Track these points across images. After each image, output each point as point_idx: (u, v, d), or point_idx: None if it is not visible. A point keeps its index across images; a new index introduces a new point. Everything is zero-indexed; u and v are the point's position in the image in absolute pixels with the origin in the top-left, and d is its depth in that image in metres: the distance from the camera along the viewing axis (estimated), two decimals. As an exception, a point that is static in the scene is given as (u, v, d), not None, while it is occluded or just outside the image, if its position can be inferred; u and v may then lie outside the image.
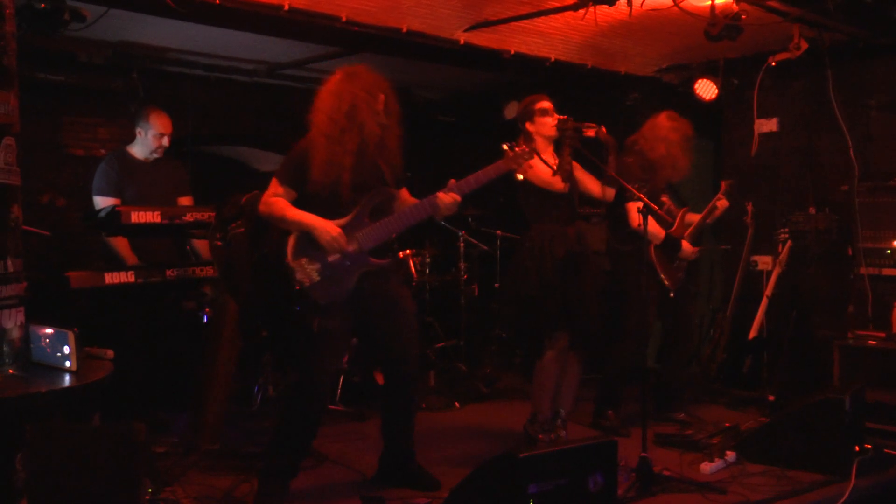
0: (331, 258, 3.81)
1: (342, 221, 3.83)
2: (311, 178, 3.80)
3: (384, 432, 4.21)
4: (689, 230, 5.38)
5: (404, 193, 4.14)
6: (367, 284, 3.89)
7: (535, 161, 4.57)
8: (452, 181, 3.92)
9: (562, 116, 4.61)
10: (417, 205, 3.95)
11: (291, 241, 3.85)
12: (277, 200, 3.86)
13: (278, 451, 3.92)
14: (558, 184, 4.59)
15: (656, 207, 4.96)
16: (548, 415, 4.76)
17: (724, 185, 5.55)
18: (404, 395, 4.13)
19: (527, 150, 4.02)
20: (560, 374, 4.75)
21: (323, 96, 3.87)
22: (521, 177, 4.28)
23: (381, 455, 4.25)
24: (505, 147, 4.00)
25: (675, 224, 5.24)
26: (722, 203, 5.47)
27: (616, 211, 5.13)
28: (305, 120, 3.92)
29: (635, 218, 4.97)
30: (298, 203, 3.87)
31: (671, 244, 5.20)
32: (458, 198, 3.89)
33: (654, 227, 5.08)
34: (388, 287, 4.01)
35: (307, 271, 3.81)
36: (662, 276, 5.14)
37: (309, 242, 3.82)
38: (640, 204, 4.76)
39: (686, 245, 5.31)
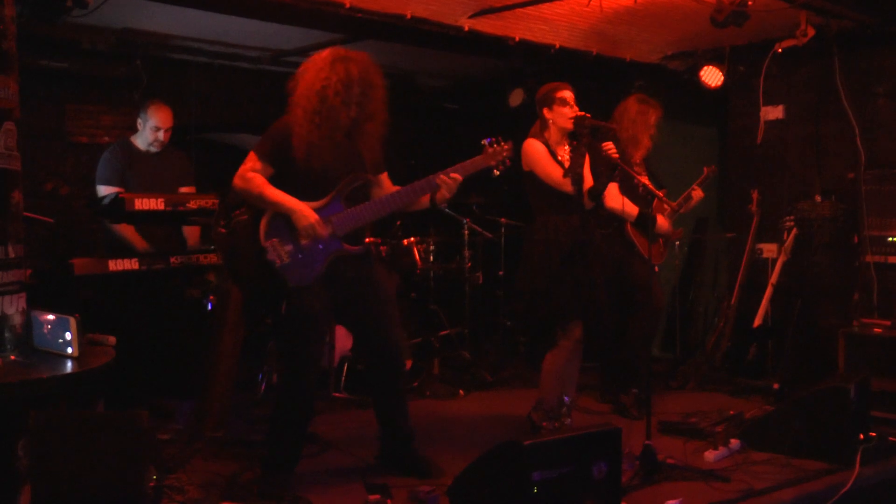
0: (304, 241, 3.79)
1: (317, 204, 3.80)
2: (292, 156, 3.77)
3: (378, 415, 4.22)
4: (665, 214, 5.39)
5: (384, 180, 4.11)
6: (344, 270, 3.87)
7: (546, 157, 4.59)
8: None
9: (580, 112, 4.51)
10: (400, 191, 3.93)
11: (264, 221, 3.79)
12: (255, 176, 3.81)
13: (276, 439, 3.93)
14: (567, 186, 4.52)
15: (661, 195, 4.98)
16: (554, 402, 4.75)
17: (706, 170, 5.52)
18: (387, 378, 4.13)
19: (507, 149, 3.96)
20: (570, 363, 4.75)
21: (305, 74, 3.82)
22: (532, 168, 4.20)
23: (380, 437, 4.25)
24: (484, 143, 3.97)
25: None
26: (697, 194, 5.45)
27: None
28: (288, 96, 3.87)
29: (607, 199, 5.01)
30: (275, 179, 3.82)
31: (646, 221, 5.17)
32: (458, 178, 3.88)
33: (628, 206, 5.09)
34: (367, 274, 4.00)
35: (279, 252, 3.78)
36: (643, 252, 5.13)
37: (283, 223, 3.78)
38: (616, 185, 4.82)
39: (661, 219, 5.31)
